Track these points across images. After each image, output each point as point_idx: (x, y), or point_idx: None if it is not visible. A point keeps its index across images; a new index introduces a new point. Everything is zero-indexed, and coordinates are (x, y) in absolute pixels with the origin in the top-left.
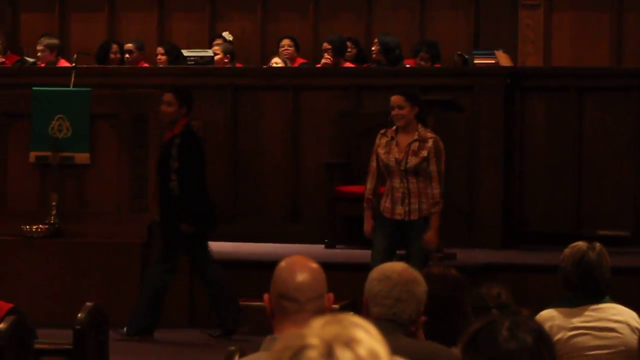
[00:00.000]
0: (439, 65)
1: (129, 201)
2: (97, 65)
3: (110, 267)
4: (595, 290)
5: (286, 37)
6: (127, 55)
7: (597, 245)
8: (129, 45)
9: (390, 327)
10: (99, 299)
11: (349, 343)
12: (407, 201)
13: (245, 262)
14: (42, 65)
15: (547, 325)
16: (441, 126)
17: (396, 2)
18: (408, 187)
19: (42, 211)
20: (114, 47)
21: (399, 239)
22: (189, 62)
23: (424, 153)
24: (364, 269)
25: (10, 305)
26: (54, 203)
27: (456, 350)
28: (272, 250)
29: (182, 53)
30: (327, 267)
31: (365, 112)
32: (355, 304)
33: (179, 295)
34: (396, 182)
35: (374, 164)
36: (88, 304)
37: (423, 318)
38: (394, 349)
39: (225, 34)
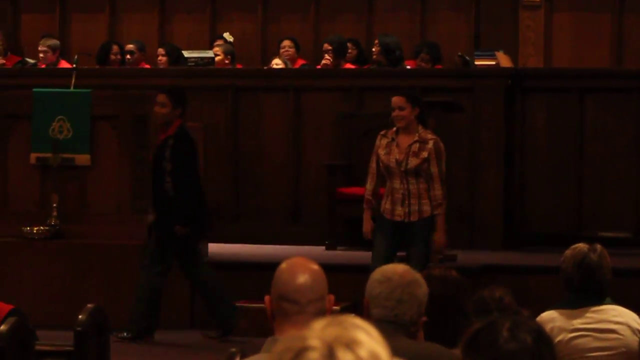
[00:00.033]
0: (439, 67)
1: (129, 202)
2: (97, 67)
3: (111, 268)
4: (596, 291)
5: (287, 38)
6: (128, 56)
7: (598, 246)
8: (130, 46)
9: (391, 328)
10: (100, 300)
11: (350, 345)
12: (407, 202)
13: (245, 264)
14: (43, 66)
15: (548, 327)
16: (442, 127)
17: (397, 3)
18: (408, 188)
19: (42, 212)
20: (115, 48)
21: (399, 240)
22: (189, 63)
23: (425, 154)
24: (364, 270)
25: (11, 306)
26: (54, 204)
27: (457, 352)
28: (273, 252)
29: (182, 54)
30: (328, 268)
31: (366, 113)
32: (356, 306)
33: (180, 296)
34: (396, 183)
35: (373, 164)
36: (89, 305)
37: (423, 319)
38: (395, 351)
39: (226, 35)
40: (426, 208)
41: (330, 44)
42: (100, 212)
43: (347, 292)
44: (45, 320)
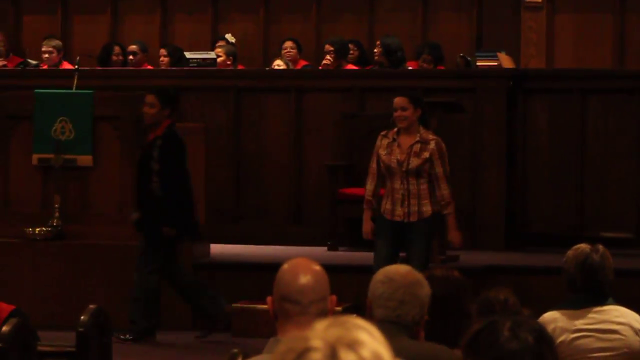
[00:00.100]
0: (441, 68)
1: (131, 203)
2: (99, 68)
3: (113, 269)
4: (598, 292)
5: (288, 39)
6: (130, 57)
7: (600, 247)
8: (133, 47)
9: (394, 329)
10: (102, 301)
11: (353, 345)
12: (406, 202)
13: (247, 264)
14: (46, 67)
15: (550, 327)
16: (444, 128)
17: (398, 4)
18: (408, 188)
19: (44, 213)
20: (116, 49)
21: (400, 241)
22: (191, 64)
23: (426, 154)
24: (366, 271)
25: (13, 307)
26: (56, 205)
27: (459, 352)
28: (275, 253)
29: (184, 55)
30: (330, 269)
31: (367, 114)
32: (358, 306)
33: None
34: (397, 184)
35: (374, 165)
36: (91, 306)
37: (425, 318)
38: (397, 351)
39: (228, 36)
40: (426, 209)
41: (331, 45)
42: (102, 212)
43: (349, 293)
44: (47, 321)
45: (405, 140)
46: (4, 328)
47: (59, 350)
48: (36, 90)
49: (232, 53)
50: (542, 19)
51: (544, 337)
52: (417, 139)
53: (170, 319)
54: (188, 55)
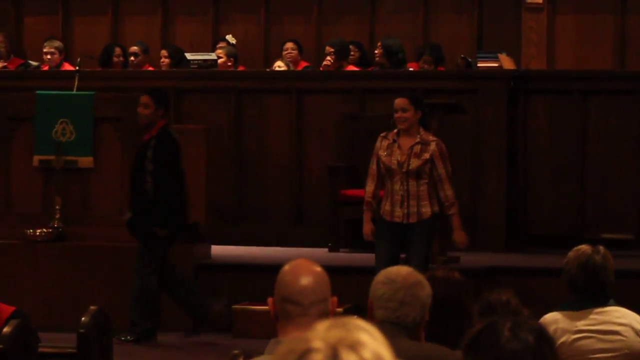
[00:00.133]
0: (442, 69)
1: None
2: (100, 69)
3: (114, 270)
4: (599, 293)
5: (290, 40)
6: (132, 58)
7: (601, 248)
8: (135, 48)
9: (394, 330)
10: (103, 302)
11: (354, 346)
12: (405, 204)
13: (248, 265)
14: (47, 68)
15: (551, 328)
16: (445, 129)
17: (399, 5)
18: (408, 189)
19: (45, 215)
20: (117, 50)
21: (400, 242)
22: (192, 66)
23: (427, 155)
24: (367, 272)
25: (13, 308)
26: (57, 206)
27: (459, 353)
28: (276, 254)
29: (185, 56)
30: (331, 270)
31: (368, 115)
32: (359, 308)
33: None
34: (396, 185)
35: (374, 166)
36: (92, 307)
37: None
38: (398, 352)
39: (229, 37)
40: (425, 210)
41: (332, 46)
42: (103, 214)
43: (350, 294)
44: (48, 322)
45: (406, 142)
46: (5, 329)
47: (60, 351)
48: (37, 92)
49: (233, 54)
50: (543, 19)
51: (544, 337)
52: (418, 140)
53: (171, 319)
54: (189, 56)
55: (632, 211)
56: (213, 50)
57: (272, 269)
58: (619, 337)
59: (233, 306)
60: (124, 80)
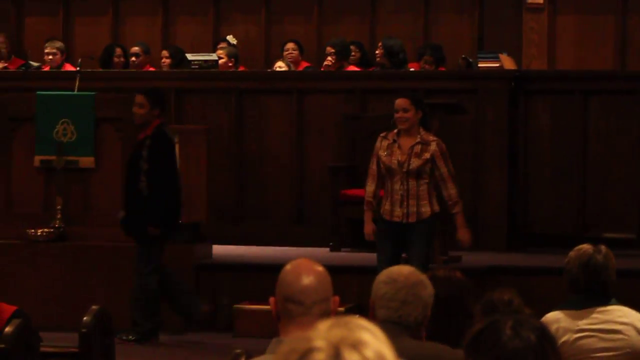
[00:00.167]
0: (443, 69)
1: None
2: (101, 69)
3: (115, 270)
4: (601, 292)
5: (290, 40)
6: (133, 58)
7: (603, 247)
8: (136, 49)
9: (396, 329)
10: (104, 302)
11: (356, 345)
12: (405, 203)
13: (249, 265)
14: (48, 68)
15: (552, 328)
16: (446, 129)
17: (400, 5)
18: (408, 189)
19: (47, 215)
20: (118, 50)
21: (401, 241)
22: (193, 66)
23: (427, 155)
24: (369, 271)
25: (15, 307)
26: (58, 207)
27: (461, 352)
28: (277, 253)
29: (186, 57)
30: (332, 270)
31: (369, 115)
32: (361, 307)
33: (199, 296)
34: (397, 185)
35: (374, 166)
36: (94, 307)
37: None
38: (400, 352)
39: (230, 38)
40: (425, 209)
41: (332, 46)
42: (104, 214)
43: (351, 294)
44: (49, 322)
45: (406, 142)
46: (7, 329)
47: (62, 351)
48: (38, 92)
49: (234, 54)
50: (544, 20)
51: (546, 335)
52: (418, 140)
53: (173, 319)
54: (190, 57)
55: (633, 210)
56: (214, 51)
57: (273, 268)
58: (620, 336)
59: (234, 306)
60: (124, 80)
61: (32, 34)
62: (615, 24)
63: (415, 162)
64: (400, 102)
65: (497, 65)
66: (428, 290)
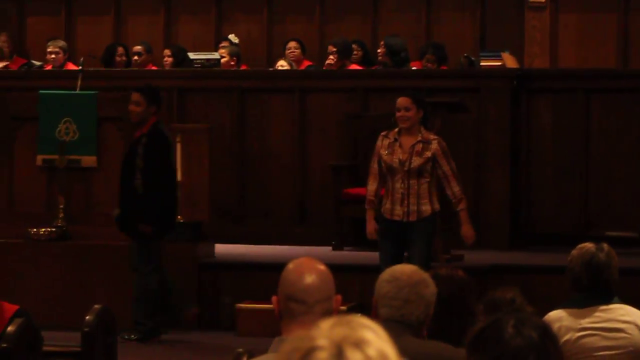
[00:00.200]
0: (445, 68)
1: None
2: (103, 68)
3: (118, 270)
4: (604, 291)
5: (292, 39)
6: (135, 57)
7: (605, 246)
8: (138, 48)
9: (399, 328)
10: (106, 301)
11: (359, 344)
12: (406, 202)
13: (252, 264)
14: (50, 67)
15: (555, 326)
16: (448, 128)
17: (402, 4)
18: (408, 188)
19: (49, 214)
20: (120, 49)
21: (402, 240)
22: (195, 65)
23: (428, 154)
24: (371, 270)
25: (17, 306)
26: (61, 206)
27: (463, 351)
28: (280, 252)
29: (188, 56)
30: (335, 268)
31: (371, 114)
32: (363, 306)
33: (187, 297)
34: (397, 183)
35: (375, 165)
36: (96, 306)
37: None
38: (402, 350)
39: (231, 37)
40: (425, 208)
41: (334, 45)
42: (106, 213)
43: (353, 292)
44: (51, 321)
45: (407, 141)
46: (9, 328)
47: (64, 350)
48: (40, 91)
49: (236, 53)
50: (546, 18)
51: (548, 333)
52: (419, 138)
53: (175, 318)
54: (192, 56)
55: (635, 209)
56: (216, 50)
57: (276, 267)
58: (623, 335)
59: (236, 305)
60: (126, 79)
61: (34, 33)
62: (618, 22)
63: (416, 161)
64: (401, 101)
65: (499, 63)
66: (430, 289)
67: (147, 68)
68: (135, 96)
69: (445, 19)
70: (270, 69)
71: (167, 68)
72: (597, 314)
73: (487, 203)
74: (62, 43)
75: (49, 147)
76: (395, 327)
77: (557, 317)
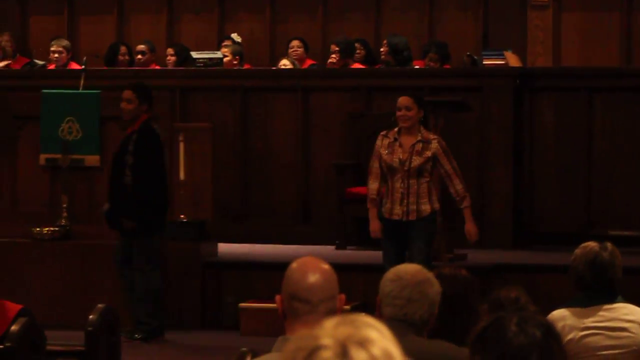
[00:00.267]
0: (448, 66)
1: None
2: (106, 68)
3: None
4: (607, 290)
5: (295, 38)
6: (139, 56)
7: (609, 245)
8: (142, 47)
9: (402, 327)
10: (109, 301)
11: (363, 343)
12: (405, 201)
13: (255, 263)
14: (53, 67)
15: (559, 325)
16: (450, 127)
17: (405, 3)
18: (408, 187)
19: (52, 213)
20: (123, 49)
21: (403, 239)
22: (198, 64)
23: (428, 153)
24: (374, 270)
25: (20, 306)
26: (64, 205)
27: (466, 350)
28: (283, 252)
29: (190, 55)
30: (338, 268)
31: (374, 113)
32: (367, 305)
33: (190, 296)
34: (397, 183)
35: (376, 164)
36: (99, 305)
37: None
38: (405, 349)
39: (234, 36)
40: (425, 207)
41: (336, 44)
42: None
43: (357, 292)
44: (55, 321)
45: (407, 140)
46: (13, 327)
47: (68, 349)
48: (43, 91)
49: (239, 52)
50: (549, 17)
51: (551, 332)
52: (419, 138)
53: (179, 318)
54: (194, 55)
55: (638, 208)
56: (218, 49)
57: (279, 266)
58: (627, 334)
59: (240, 304)
60: (129, 79)
61: (36, 32)
62: (620, 21)
63: (416, 161)
64: (403, 100)
65: (502, 62)
66: (435, 288)
67: (150, 67)
68: (127, 94)
69: (448, 18)
70: (273, 68)
71: (169, 67)
72: (600, 313)
73: (490, 202)
74: (65, 42)
75: (52, 146)
76: (399, 326)
77: (561, 316)
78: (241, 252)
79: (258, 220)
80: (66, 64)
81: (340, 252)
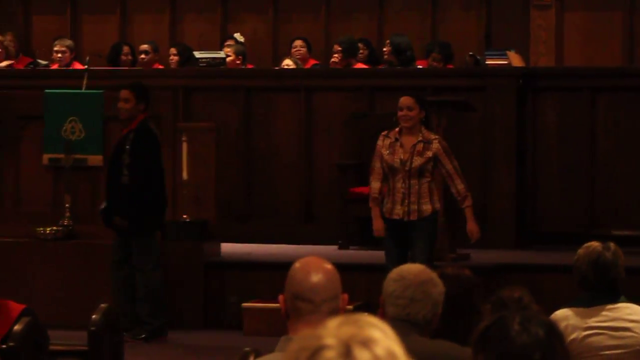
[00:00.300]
0: (451, 66)
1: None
2: (109, 67)
3: None
4: (610, 290)
5: (298, 38)
6: (142, 56)
7: (612, 244)
8: (145, 46)
9: (405, 327)
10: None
11: (366, 343)
12: (406, 201)
13: (258, 263)
14: (56, 66)
15: (561, 325)
16: (454, 127)
17: (408, 3)
18: (409, 187)
19: (55, 213)
20: (125, 48)
21: (405, 239)
22: (200, 64)
23: (429, 154)
24: (377, 269)
25: (23, 305)
26: (67, 205)
27: (469, 350)
28: (286, 251)
29: (193, 55)
30: (341, 267)
31: (377, 113)
32: (369, 305)
33: (193, 296)
34: (399, 183)
35: (377, 164)
36: (102, 305)
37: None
38: (408, 349)
39: (237, 35)
40: (426, 207)
41: (339, 44)
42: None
43: (360, 291)
44: (58, 320)
45: (408, 140)
46: (16, 327)
47: (71, 349)
48: (46, 91)
49: (242, 52)
50: (552, 17)
51: (554, 331)
52: (420, 138)
53: (182, 318)
54: (197, 54)
55: None
56: (221, 49)
57: (282, 266)
58: (630, 334)
59: (243, 304)
60: (132, 78)
61: (39, 32)
62: (623, 20)
63: (417, 161)
64: (404, 100)
65: (505, 62)
66: (438, 288)
67: (153, 67)
68: (124, 93)
69: (451, 18)
70: (276, 67)
71: (172, 67)
72: (603, 313)
73: (493, 202)
74: (68, 42)
75: (55, 146)
76: (402, 326)
77: (564, 316)
78: (244, 252)
79: (261, 220)
80: (69, 64)
81: (343, 251)
